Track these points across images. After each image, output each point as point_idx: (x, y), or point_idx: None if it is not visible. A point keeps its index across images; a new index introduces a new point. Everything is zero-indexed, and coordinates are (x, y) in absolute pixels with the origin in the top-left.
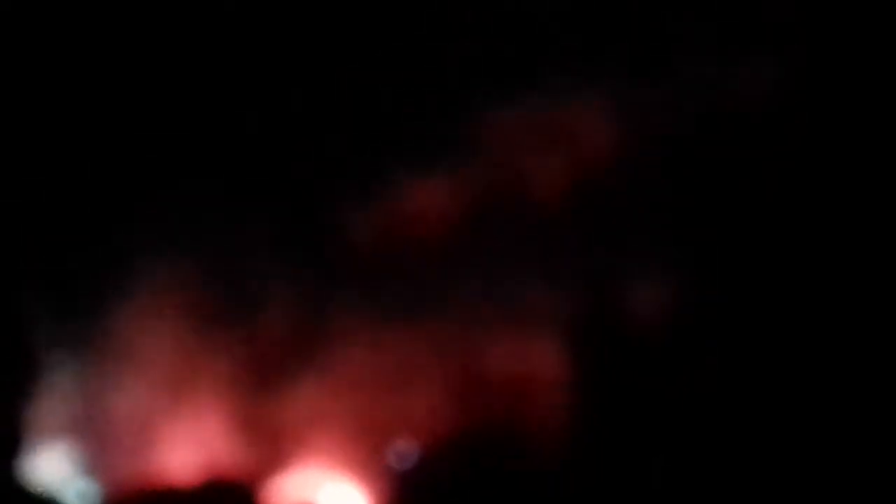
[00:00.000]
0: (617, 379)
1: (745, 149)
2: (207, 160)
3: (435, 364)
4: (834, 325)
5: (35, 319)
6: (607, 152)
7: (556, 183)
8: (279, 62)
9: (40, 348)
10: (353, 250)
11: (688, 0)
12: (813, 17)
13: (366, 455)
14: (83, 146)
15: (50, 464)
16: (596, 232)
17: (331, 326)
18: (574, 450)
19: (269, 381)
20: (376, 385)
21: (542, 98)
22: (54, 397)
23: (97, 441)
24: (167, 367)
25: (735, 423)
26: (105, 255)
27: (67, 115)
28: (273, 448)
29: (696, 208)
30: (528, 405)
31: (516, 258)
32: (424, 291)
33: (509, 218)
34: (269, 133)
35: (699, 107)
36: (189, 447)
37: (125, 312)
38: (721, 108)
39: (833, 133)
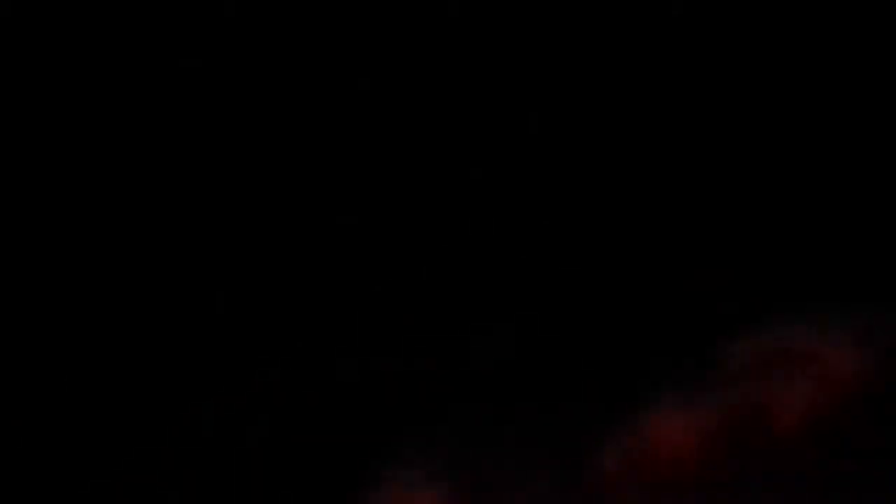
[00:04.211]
0: None
1: None
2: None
3: None
4: None
5: None
6: (852, 381)
7: (800, 413)
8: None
9: None
10: (599, 482)
11: None
12: None
13: None
14: None
15: None
16: (839, 463)
17: None
18: None
19: None
20: None
21: (786, 326)
22: None
23: None
24: None
25: None
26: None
27: None
28: None
29: None
30: None
31: (761, 491)
32: None
33: (752, 449)
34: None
35: None
36: None
37: None
38: None
39: None
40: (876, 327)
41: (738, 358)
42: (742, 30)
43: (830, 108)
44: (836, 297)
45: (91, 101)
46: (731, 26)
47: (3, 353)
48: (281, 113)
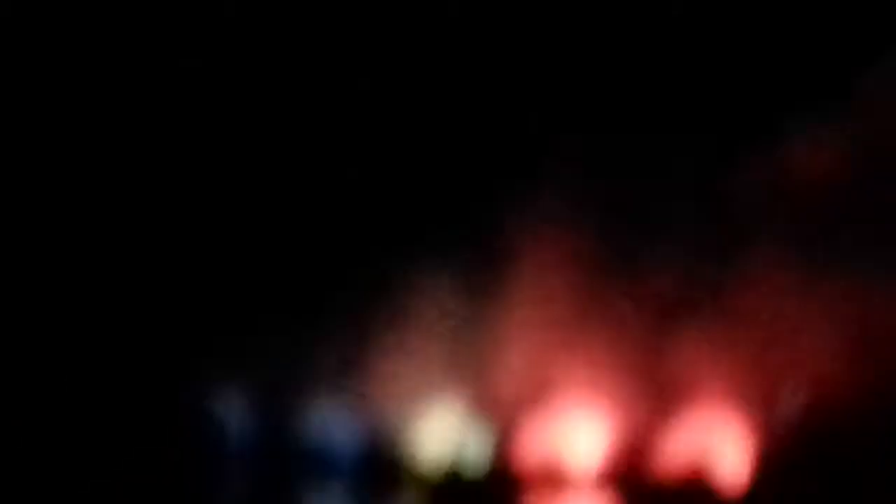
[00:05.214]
0: None
1: None
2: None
3: (828, 316)
4: None
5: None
6: None
7: None
8: None
9: (426, 300)
10: (743, 201)
11: None
12: None
13: (754, 404)
14: None
15: (444, 418)
16: None
17: (720, 274)
18: None
19: (660, 328)
20: (767, 334)
21: None
22: (439, 349)
23: (489, 392)
24: (559, 314)
25: None
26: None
27: None
28: (664, 396)
29: None
30: None
31: None
32: (815, 243)
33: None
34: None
35: None
36: (582, 394)
37: (512, 260)
38: None
39: None
40: None
41: (872, 88)
42: None
43: None
44: None
45: (89, 99)
46: None
47: None
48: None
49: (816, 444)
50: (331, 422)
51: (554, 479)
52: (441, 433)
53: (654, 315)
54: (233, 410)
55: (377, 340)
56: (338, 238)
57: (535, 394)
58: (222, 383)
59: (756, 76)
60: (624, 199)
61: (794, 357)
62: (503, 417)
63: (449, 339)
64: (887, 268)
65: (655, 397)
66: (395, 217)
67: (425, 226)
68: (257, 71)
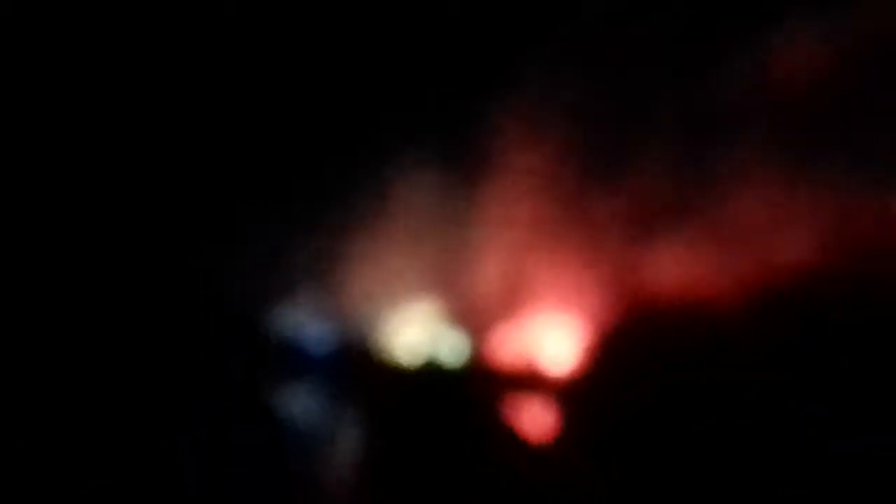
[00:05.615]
0: None
1: None
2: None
3: (810, 220)
4: None
5: (396, 169)
6: None
7: None
8: None
9: (401, 200)
10: (725, 102)
11: None
12: None
13: (734, 308)
14: None
15: (419, 319)
16: None
17: (699, 179)
18: None
19: (638, 232)
20: (747, 241)
21: None
22: (418, 252)
23: (464, 295)
24: (537, 217)
25: None
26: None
27: None
28: (638, 302)
29: None
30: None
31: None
32: (797, 146)
33: (887, 73)
34: None
35: None
36: (558, 299)
37: (489, 161)
38: None
39: None
40: None
41: None
42: None
43: None
44: None
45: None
46: None
47: None
48: None
49: (803, 339)
50: (305, 320)
51: (528, 381)
52: (416, 333)
53: (632, 219)
54: (212, 303)
55: (352, 238)
56: (313, 133)
57: (511, 296)
58: (201, 276)
59: None
60: (603, 102)
61: (774, 262)
62: (478, 319)
63: (424, 238)
64: (871, 169)
65: (632, 300)
66: (371, 114)
67: (402, 124)
68: None
